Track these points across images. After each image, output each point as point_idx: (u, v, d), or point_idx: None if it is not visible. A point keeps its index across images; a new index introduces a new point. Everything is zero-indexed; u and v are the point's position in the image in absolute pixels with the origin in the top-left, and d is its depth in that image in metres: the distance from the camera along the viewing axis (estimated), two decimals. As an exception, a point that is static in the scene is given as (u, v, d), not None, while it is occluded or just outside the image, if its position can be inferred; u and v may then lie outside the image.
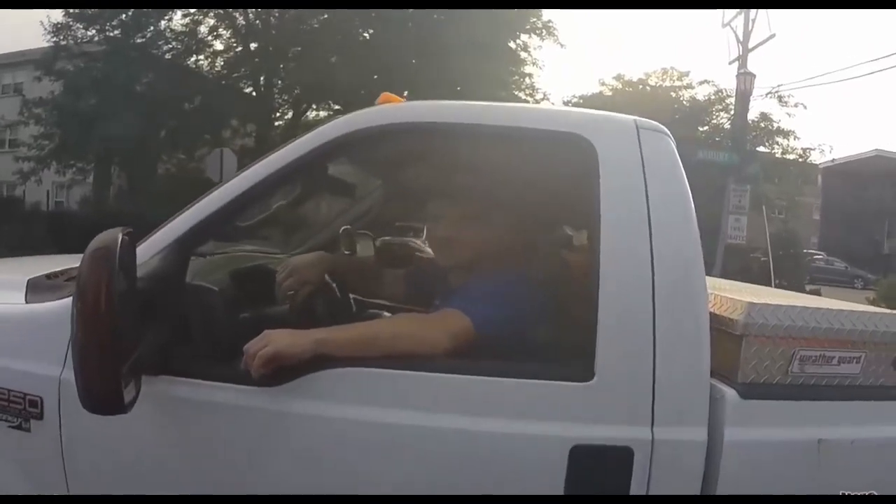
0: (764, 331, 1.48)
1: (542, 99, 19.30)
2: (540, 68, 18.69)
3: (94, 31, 16.74)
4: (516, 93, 17.98)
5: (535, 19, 17.50)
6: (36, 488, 1.57)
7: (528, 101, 17.57)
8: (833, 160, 25.89)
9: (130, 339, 1.33)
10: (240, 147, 16.30)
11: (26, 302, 1.69)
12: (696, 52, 57.00)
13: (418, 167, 2.04)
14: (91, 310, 1.23)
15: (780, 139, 22.98)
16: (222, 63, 18.22)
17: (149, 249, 1.54)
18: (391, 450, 1.44)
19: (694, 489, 1.39)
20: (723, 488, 1.39)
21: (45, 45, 17.13)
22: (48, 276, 1.94)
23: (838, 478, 1.45)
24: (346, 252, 2.54)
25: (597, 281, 1.41)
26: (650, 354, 1.39)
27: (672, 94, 25.29)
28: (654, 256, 1.42)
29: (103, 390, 1.25)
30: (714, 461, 1.39)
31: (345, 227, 2.54)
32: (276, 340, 1.40)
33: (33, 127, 16.94)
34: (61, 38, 16.85)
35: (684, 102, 24.78)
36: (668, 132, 1.58)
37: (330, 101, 17.80)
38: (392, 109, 1.65)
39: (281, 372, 1.41)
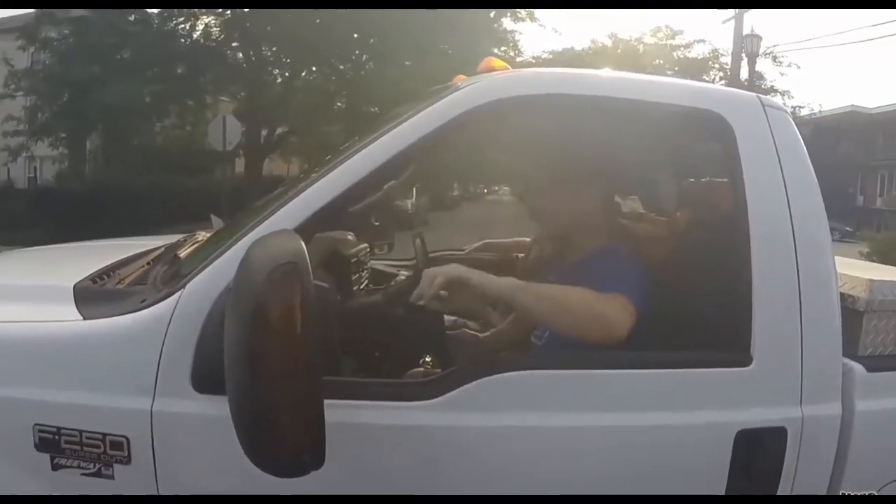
0: (884, 306, 1.61)
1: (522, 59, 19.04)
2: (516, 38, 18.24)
3: None
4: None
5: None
6: None
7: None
8: (812, 114, 26.44)
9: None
10: (232, 111, 16.20)
11: (83, 317, 1.54)
12: (688, 11, 56.57)
13: (540, 137, 2.01)
14: (283, 338, 1.11)
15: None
16: (205, 25, 17.97)
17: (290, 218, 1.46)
18: (562, 453, 1.46)
19: (828, 463, 1.51)
20: (853, 459, 1.51)
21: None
22: (94, 280, 1.78)
23: None
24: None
25: (748, 267, 1.48)
26: (797, 336, 1.47)
27: (668, 53, 25.55)
28: (795, 239, 1.49)
29: (305, 443, 1.15)
30: (846, 434, 1.50)
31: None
32: (465, 270, 1.44)
33: (19, 100, 16.68)
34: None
35: (677, 60, 25.04)
36: (787, 109, 1.69)
37: (333, 61, 17.62)
38: (529, 78, 1.72)
39: (441, 380, 1.43)
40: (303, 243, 1.20)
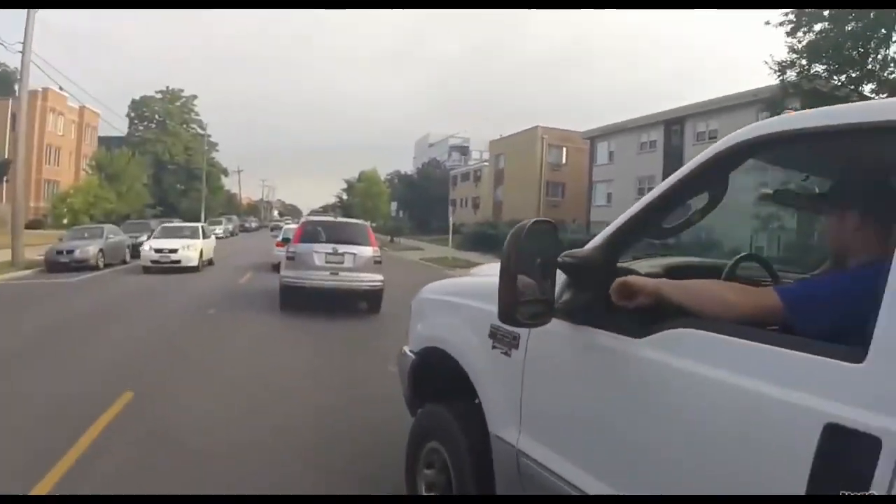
0: None
1: None
2: None
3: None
4: None
5: None
6: (503, 393, 2.76)
7: None
8: None
9: (536, 288, 2.28)
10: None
11: None
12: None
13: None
14: (504, 265, 2.23)
15: None
16: None
17: (593, 243, 2.48)
18: (691, 395, 1.92)
19: None
20: None
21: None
22: None
23: None
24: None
25: (888, 268, 1.56)
26: None
27: None
28: None
29: (503, 307, 2.24)
30: None
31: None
32: (630, 276, 2.24)
33: None
34: (787, 75, 19.55)
35: None
36: None
37: None
38: (780, 118, 2.05)
39: (643, 317, 2.14)
40: (528, 223, 2.25)
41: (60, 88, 36.98)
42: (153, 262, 20.57)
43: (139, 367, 7.70)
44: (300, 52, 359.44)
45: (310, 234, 13.36)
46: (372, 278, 12.83)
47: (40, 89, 50.39)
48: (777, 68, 20.06)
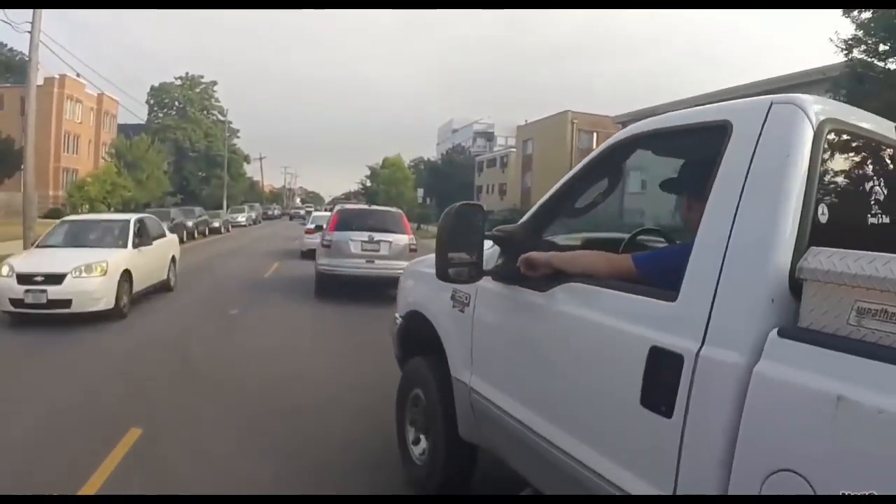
0: (825, 276, 1.78)
1: None
2: None
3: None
4: None
5: None
6: (460, 342, 3.52)
7: None
8: None
9: (469, 253, 2.98)
10: None
11: None
12: None
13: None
14: (438, 237, 2.97)
15: None
16: None
17: (521, 220, 3.24)
18: (575, 329, 2.67)
19: (725, 413, 1.91)
20: (749, 416, 1.85)
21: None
22: None
23: (852, 441, 1.61)
24: None
25: (695, 233, 2.24)
26: (712, 291, 2.08)
27: None
28: (738, 211, 2.09)
29: (437, 269, 2.97)
30: (744, 387, 1.88)
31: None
32: (531, 252, 2.90)
33: None
34: (854, 54, 18.71)
35: None
36: (804, 104, 2.10)
37: None
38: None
39: (544, 280, 2.84)
40: (457, 205, 2.97)
41: (78, 75, 37.95)
42: (13, 301, 9.96)
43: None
44: (321, 40, 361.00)
45: (345, 222, 13.96)
46: (407, 266, 13.24)
47: (56, 76, 52.22)
48: (843, 46, 18.94)
